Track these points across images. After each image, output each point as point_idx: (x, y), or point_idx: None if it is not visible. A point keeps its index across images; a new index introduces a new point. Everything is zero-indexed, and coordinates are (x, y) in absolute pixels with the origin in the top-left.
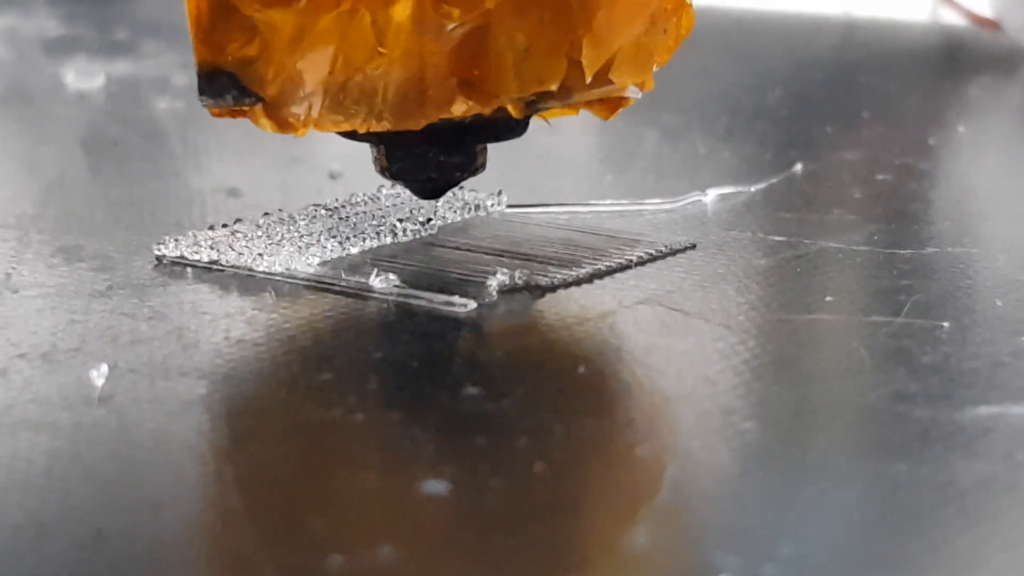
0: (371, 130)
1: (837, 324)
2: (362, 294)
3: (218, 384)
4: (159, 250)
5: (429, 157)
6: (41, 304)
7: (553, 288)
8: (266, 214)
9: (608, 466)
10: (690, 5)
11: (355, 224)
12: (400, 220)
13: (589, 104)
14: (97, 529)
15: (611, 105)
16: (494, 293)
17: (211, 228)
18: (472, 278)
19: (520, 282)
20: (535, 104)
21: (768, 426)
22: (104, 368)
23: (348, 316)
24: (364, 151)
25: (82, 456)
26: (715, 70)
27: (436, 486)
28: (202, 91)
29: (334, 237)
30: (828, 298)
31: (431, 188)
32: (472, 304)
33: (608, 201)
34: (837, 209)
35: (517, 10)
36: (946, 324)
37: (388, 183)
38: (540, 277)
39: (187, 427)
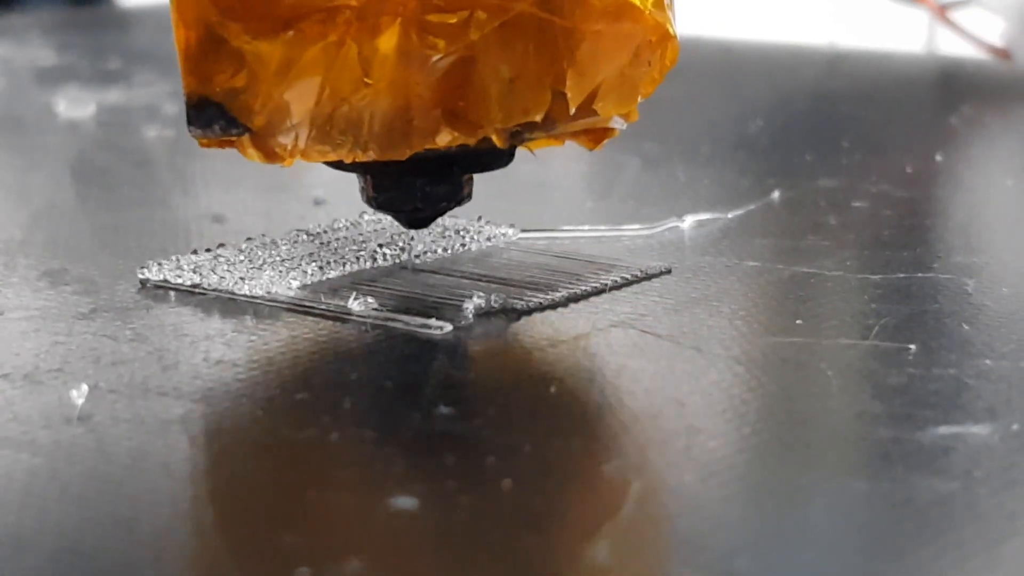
0: (357, 160)
1: (806, 347)
2: (341, 317)
3: (196, 404)
4: (143, 274)
5: (415, 187)
6: (25, 326)
7: (529, 311)
8: (249, 239)
9: (574, 483)
10: (675, 38)
11: (336, 249)
12: (380, 245)
13: (575, 135)
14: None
15: (596, 136)
16: (470, 316)
17: (194, 252)
18: (449, 301)
19: (496, 305)
20: (520, 134)
21: (733, 445)
22: (84, 388)
23: (326, 338)
24: (349, 178)
25: (60, 473)
26: (699, 99)
27: (405, 502)
28: (190, 121)
29: (315, 261)
30: (798, 321)
31: (417, 218)
32: (448, 327)
33: (587, 227)
34: (812, 236)
35: (502, 42)
36: (913, 347)
37: (371, 210)
38: (516, 301)
39: (164, 446)
